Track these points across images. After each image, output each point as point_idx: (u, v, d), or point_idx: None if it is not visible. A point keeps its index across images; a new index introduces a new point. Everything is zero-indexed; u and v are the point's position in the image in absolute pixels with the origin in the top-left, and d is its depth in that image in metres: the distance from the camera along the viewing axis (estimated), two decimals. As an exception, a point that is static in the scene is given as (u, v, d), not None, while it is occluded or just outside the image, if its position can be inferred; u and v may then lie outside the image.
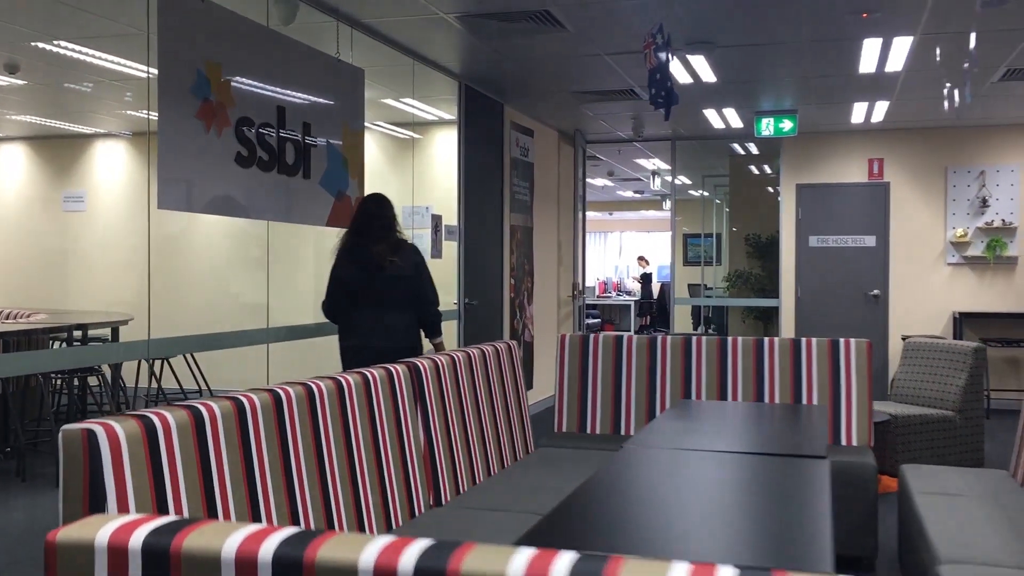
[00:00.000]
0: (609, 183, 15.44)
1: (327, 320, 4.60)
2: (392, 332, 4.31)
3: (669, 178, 14.21)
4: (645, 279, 19.93)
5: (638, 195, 17.32)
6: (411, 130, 8.75)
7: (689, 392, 4.85)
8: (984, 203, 9.10)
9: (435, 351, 4.47)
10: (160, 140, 3.79)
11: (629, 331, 19.21)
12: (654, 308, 19.83)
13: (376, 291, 4.33)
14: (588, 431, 4.98)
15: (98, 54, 6.11)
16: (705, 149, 11.20)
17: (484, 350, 4.21)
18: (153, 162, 3.79)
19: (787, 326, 9.76)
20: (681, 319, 18.50)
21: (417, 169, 8.64)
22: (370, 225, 4.38)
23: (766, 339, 4.82)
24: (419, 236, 8.83)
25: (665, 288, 19.91)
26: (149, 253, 4.42)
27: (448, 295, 7.19)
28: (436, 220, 6.75)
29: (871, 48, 6.02)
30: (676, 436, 3.31)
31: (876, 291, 9.45)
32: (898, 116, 8.68)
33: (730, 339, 4.86)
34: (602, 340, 5.03)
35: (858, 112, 8.45)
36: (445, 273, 7.13)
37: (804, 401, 4.70)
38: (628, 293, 20.30)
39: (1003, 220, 9.04)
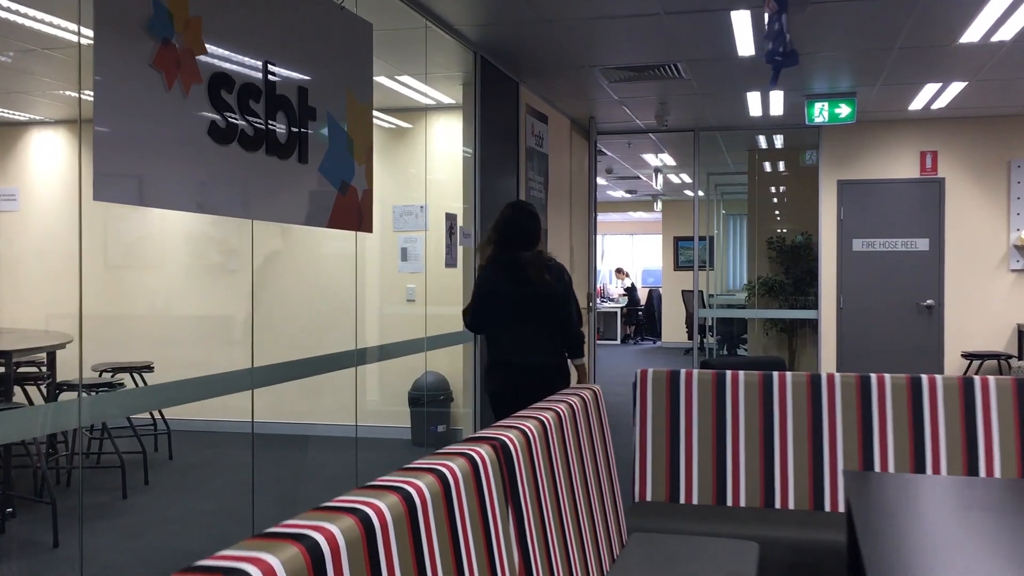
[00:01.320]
0: (603, 181, 14.25)
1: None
2: (544, 349, 4.23)
3: (672, 176, 13.08)
4: (629, 291, 18.80)
5: (629, 195, 16.18)
6: (404, 117, 7.48)
7: (819, 453, 3.64)
8: (1054, 201, 8.05)
9: (579, 373, 4.48)
10: (98, 98, 2.49)
11: (616, 339, 18.11)
12: (641, 316, 18.71)
13: (529, 308, 4.20)
14: (682, 499, 3.75)
15: (26, 11, 4.75)
16: (713, 144, 10.02)
17: (571, 403, 2.96)
18: (88, 138, 2.50)
19: (827, 341, 8.63)
20: (673, 328, 17.44)
21: (410, 163, 7.36)
22: (522, 238, 4.26)
23: (924, 377, 3.63)
24: (412, 240, 7.58)
25: (653, 295, 18.81)
26: (80, 260, 3.09)
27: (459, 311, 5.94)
28: (451, 221, 5.48)
29: (994, 7, 4.88)
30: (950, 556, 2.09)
31: (930, 301, 8.36)
32: (961, 102, 7.59)
33: (873, 377, 3.66)
34: (698, 379, 3.81)
35: (923, 96, 7.35)
36: (458, 286, 5.89)
37: None
38: (612, 300, 19.14)
39: (1075, 220, 8.00)
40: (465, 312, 4.37)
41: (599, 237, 9.34)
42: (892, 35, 5.50)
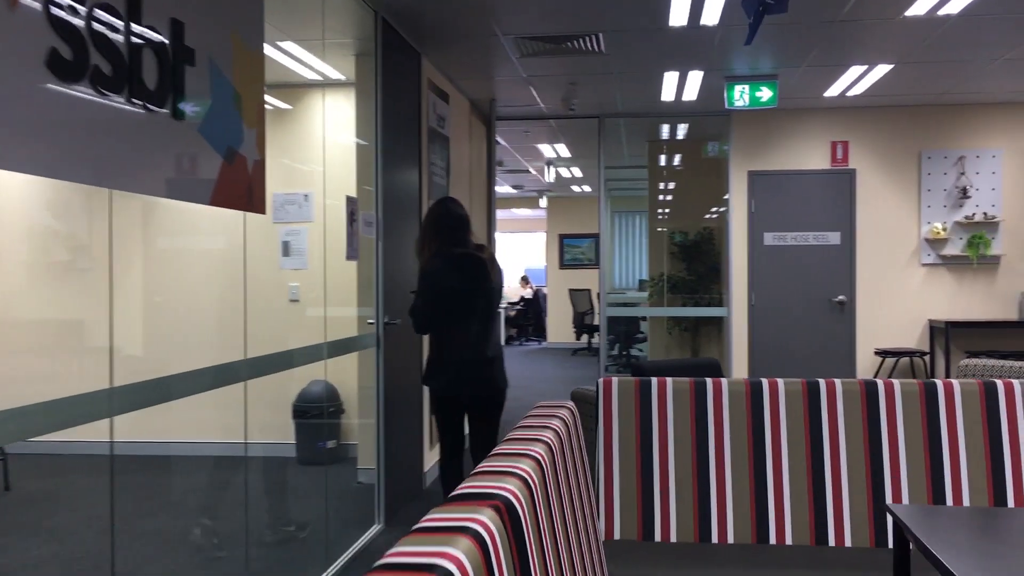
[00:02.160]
0: (490, 176, 13.58)
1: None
2: (493, 344, 4.20)
3: (563, 170, 12.54)
4: (530, 301, 18.22)
5: (515, 191, 15.59)
6: (284, 96, 6.59)
7: (820, 478, 3.05)
8: (964, 193, 7.87)
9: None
10: None
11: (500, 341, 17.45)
12: (529, 316, 18.17)
13: (481, 303, 4.15)
14: (658, 537, 3.09)
15: None
16: (614, 133, 9.53)
17: (556, 430, 2.25)
18: None
19: (739, 340, 8.23)
20: (560, 328, 16.96)
21: (293, 146, 6.50)
22: (463, 228, 4.25)
23: (938, 383, 3.09)
24: (295, 233, 6.71)
25: (537, 294, 18.29)
26: None
27: (364, 312, 5.15)
28: (352, 206, 4.67)
29: (956, -27, 4.47)
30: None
31: (842, 297, 8.07)
32: (877, 90, 7.30)
33: (880, 383, 3.09)
34: (673, 390, 3.17)
35: (843, 81, 7.00)
36: (357, 282, 5.09)
37: None
38: (510, 302, 18.48)
39: (985, 213, 7.84)
40: (412, 311, 4.14)
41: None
42: (839, 3, 5.04)
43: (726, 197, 8.37)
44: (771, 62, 6.43)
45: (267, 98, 6.19)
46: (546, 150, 10.76)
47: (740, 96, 6.79)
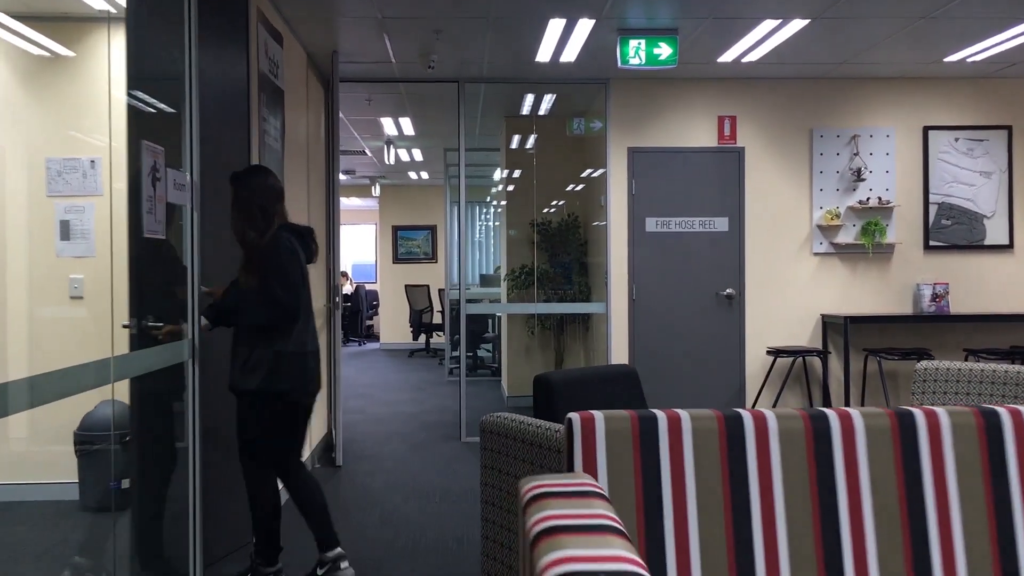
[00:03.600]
0: (319, 158, 12.08)
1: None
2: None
3: (403, 152, 11.26)
4: (350, 297, 16.72)
5: (346, 176, 14.11)
6: (62, 36, 4.98)
7: (924, 552, 1.96)
8: (858, 175, 7.20)
9: None
10: None
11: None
12: (356, 315, 16.68)
13: (308, 289, 3.82)
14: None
15: None
16: (469, 105, 8.38)
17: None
18: None
19: (618, 339, 7.24)
20: (395, 327, 15.60)
21: (74, 97, 4.90)
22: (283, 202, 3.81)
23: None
24: (77, 209, 5.10)
25: (361, 292, 16.86)
26: None
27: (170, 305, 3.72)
28: (154, 158, 3.22)
29: None
30: None
31: (730, 290, 7.23)
32: (774, 57, 6.49)
33: (1004, 414, 2.04)
34: (692, 427, 1.99)
35: (745, 42, 6.12)
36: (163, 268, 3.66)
37: None
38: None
39: (879, 198, 7.20)
40: (275, 300, 3.56)
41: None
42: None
43: (596, 173, 7.36)
44: (672, 11, 5.44)
45: (32, 33, 4.55)
46: (388, 126, 9.44)
47: (635, 53, 5.76)
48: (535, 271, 8.59)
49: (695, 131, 7.24)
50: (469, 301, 10.71)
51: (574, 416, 1.98)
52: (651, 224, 7.21)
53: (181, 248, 3.55)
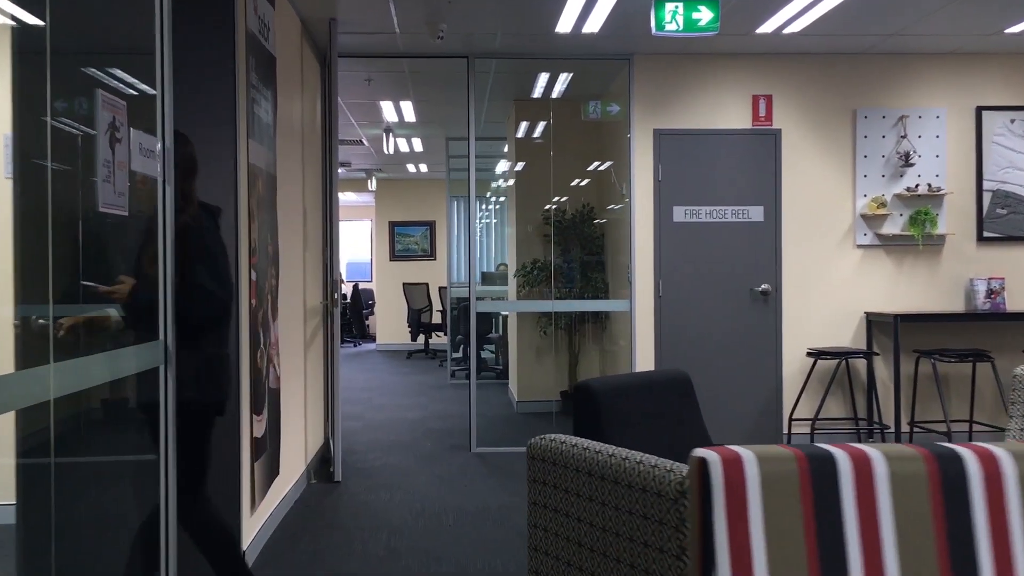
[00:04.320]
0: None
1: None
2: None
3: (402, 142, 10.60)
4: (344, 296, 16.04)
5: (342, 169, 13.42)
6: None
7: None
8: (906, 160, 6.58)
9: None
10: None
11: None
12: (348, 315, 16.00)
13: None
14: None
15: None
16: (478, 86, 7.74)
17: None
18: None
19: (643, 341, 6.60)
20: (392, 327, 14.93)
21: None
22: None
23: None
24: None
25: (359, 291, 16.19)
26: None
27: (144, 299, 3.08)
28: (114, 112, 2.57)
29: None
30: None
31: (766, 286, 6.60)
32: (812, 29, 5.86)
33: None
34: (889, 473, 1.35)
35: (792, 8, 5.49)
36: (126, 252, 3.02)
37: None
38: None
39: (929, 184, 6.58)
40: (210, 295, 3.03)
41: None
42: None
43: (614, 160, 6.72)
44: (715, -29, 4.81)
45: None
46: (388, 111, 8.78)
47: (671, 18, 5.12)
48: (551, 266, 7.94)
49: (727, 111, 6.61)
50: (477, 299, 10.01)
51: (710, 456, 1.33)
52: (679, 213, 6.58)
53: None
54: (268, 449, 4.42)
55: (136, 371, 2.73)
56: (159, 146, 2.87)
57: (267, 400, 4.39)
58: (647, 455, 2.09)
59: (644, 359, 6.58)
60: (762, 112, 6.60)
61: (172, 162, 2.95)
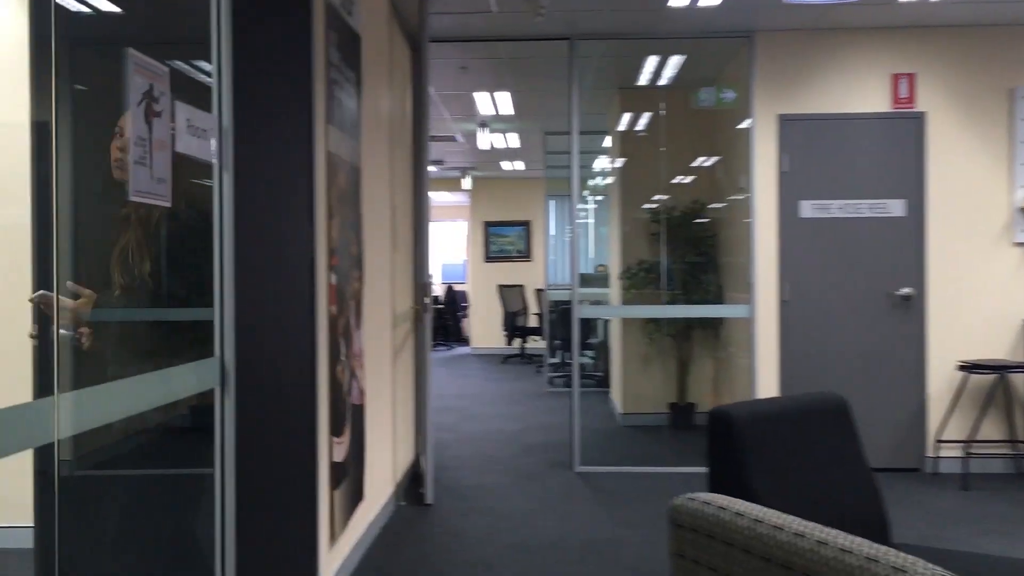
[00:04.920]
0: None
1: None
2: None
3: (498, 137, 10.09)
4: (436, 299, 15.68)
5: (435, 168, 13.02)
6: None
7: None
8: (1075, 146, 5.74)
9: None
10: None
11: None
12: (442, 317, 15.62)
13: None
14: None
15: None
16: (552, 77, 7.15)
17: None
18: None
19: (765, 350, 5.91)
20: (486, 331, 14.47)
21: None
22: None
23: None
24: None
25: (453, 293, 15.79)
26: None
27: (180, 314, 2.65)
28: (155, 81, 2.09)
29: None
30: None
31: (908, 289, 5.84)
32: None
33: None
34: None
35: (949, -31, 4.76)
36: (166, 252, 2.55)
37: None
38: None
39: (1101, 173, 5.72)
40: None
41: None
42: None
43: (729, 151, 6.06)
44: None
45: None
46: (483, 103, 8.27)
47: (808, -18, 4.46)
48: (662, 268, 7.30)
49: (863, 93, 5.88)
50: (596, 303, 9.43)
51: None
52: (806, 208, 5.88)
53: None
54: (351, 473, 3.94)
55: (181, 397, 2.25)
56: (216, 124, 2.39)
57: (349, 419, 3.90)
58: (857, 539, 1.49)
59: (766, 371, 5.90)
60: (903, 93, 5.84)
61: (231, 144, 2.47)
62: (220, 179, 2.45)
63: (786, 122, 5.90)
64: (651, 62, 6.78)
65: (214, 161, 2.41)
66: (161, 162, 2.07)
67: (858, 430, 3.05)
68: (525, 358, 13.09)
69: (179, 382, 2.22)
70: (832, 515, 2.81)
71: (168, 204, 2.13)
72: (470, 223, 14.67)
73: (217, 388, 2.46)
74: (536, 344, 12.94)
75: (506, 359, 13.16)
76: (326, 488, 3.54)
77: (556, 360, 11.10)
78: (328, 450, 3.54)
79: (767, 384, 5.91)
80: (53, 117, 1.77)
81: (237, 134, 2.52)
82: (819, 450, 2.90)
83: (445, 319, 15.49)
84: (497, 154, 11.59)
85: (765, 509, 1.67)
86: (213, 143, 2.38)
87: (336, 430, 3.64)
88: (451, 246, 17.24)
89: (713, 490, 2.76)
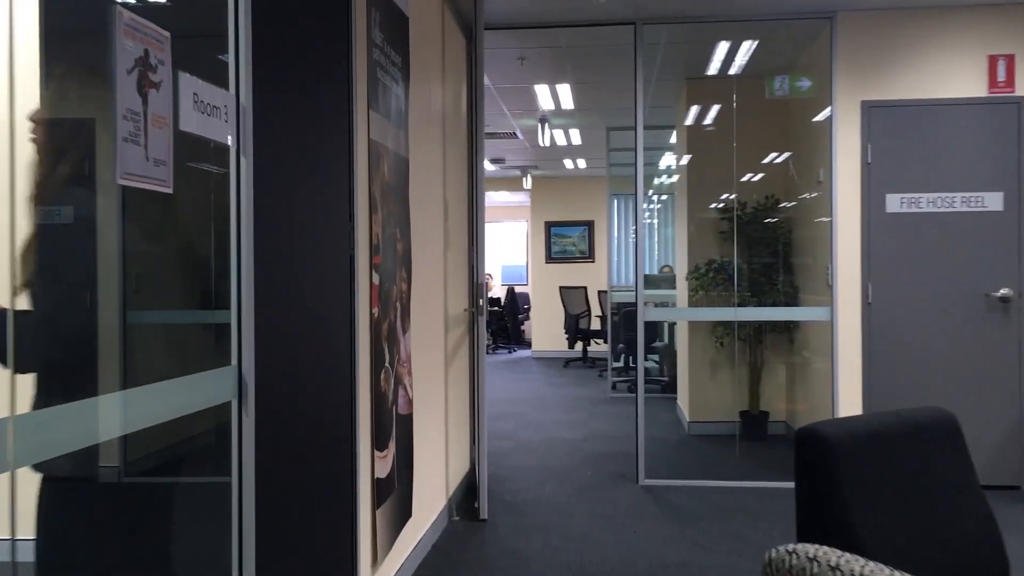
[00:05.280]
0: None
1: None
2: None
3: (559, 133, 9.76)
4: (497, 301, 15.41)
5: (495, 166, 12.74)
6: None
7: None
8: None
9: None
10: None
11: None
12: (503, 319, 15.32)
13: None
14: None
15: None
16: (615, 68, 6.78)
17: None
18: None
19: (847, 358, 5.47)
20: (547, 334, 14.14)
21: None
22: None
23: None
24: None
25: (515, 295, 15.49)
26: None
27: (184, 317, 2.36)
28: (154, 47, 1.80)
29: None
30: None
31: (1007, 290, 5.34)
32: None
33: None
34: None
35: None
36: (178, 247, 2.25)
37: None
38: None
39: None
40: None
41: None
42: None
43: (804, 142, 5.61)
44: None
45: None
46: (543, 96, 7.94)
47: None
48: (730, 267, 6.88)
49: (955, 76, 5.40)
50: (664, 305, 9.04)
51: None
52: (893, 203, 5.41)
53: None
54: (396, 488, 3.64)
55: (188, 412, 1.95)
56: (230, 101, 2.10)
57: (394, 430, 3.60)
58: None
59: (847, 378, 5.45)
60: (1001, 76, 5.34)
61: (250, 124, 2.18)
62: (237, 164, 2.16)
63: (870, 109, 5.44)
64: (721, 49, 6.37)
65: (230, 140, 2.12)
66: (159, 142, 1.77)
67: (967, 451, 2.63)
68: (587, 362, 12.72)
69: (184, 396, 1.93)
70: (946, 556, 2.41)
71: (168, 190, 1.83)
72: (531, 223, 14.35)
73: (233, 401, 2.16)
74: (598, 347, 12.56)
75: (568, 363, 12.79)
76: (367, 507, 3.24)
77: (619, 364, 10.71)
78: (370, 466, 3.24)
79: (849, 393, 5.47)
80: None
81: (259, 114, 2.23)
82: (928, 477, 2.49)
83: (505, 321, 15.20)
84: (558, 151, 11.25)
85: (869, 563, 1.31)
86: (227, 123, 2.09)
87: (379, 443, 3.34)
88: (512, 247, 16.94)
89: (804, 524, 2.38)
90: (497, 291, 16.45)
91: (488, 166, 12.68)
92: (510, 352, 14.55)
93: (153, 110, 1.76)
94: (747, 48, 6.32)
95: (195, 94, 1.93)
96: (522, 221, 16.07)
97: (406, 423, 3.83)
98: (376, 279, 3.31)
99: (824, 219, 5.65)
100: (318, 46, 2.78)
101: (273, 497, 2.34)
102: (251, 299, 2.18)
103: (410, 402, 3.91)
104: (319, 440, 2.76)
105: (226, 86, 2.12)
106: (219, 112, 2.04)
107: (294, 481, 2.56)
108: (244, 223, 2.17)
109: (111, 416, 1.67)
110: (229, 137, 2.10)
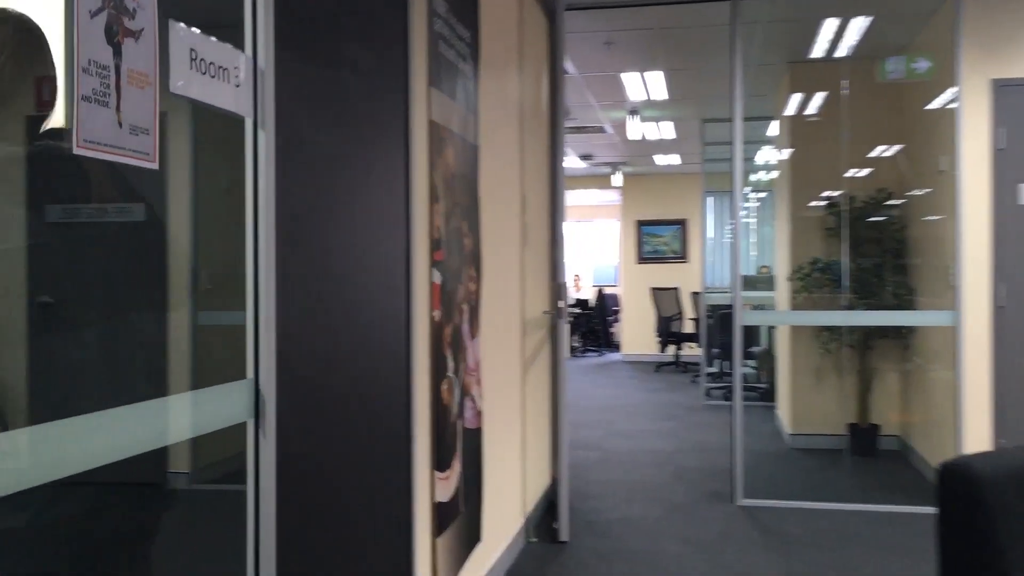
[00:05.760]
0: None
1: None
2: None
3: (650, 127, 9.27)
4: (582, 302, 14.98)
5: (583, 163, 12.30)
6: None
7: None
8: None
9: None
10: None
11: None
12: (592, 321, 14.86)
13: None
14: None
15: None
16: (710, 52, 6.28)
17: None
18: None
19: (974, 368, 4.86)
20: (638, 337, 13.64)
21: None
22: None
23: None
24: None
25: (605, 296, 15.01)
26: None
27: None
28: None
29: None
30: None
31: None
32: None
33: None
34: None
35: None
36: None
37: None
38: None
39: None
40: None
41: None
42: None
43: (895, 145, 5.02)
44: None
45: None
46: (632, 84, 7.47)
47: None
48: (837, 267, 6.30)
49: (1104, 50, 4.75)
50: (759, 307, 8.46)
51: None
52: (1029, 194, 4.80)
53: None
54: (462, 512, 3.26)
55: (182, 439, 1.60)
56: (244, 63, 1.75)
57: (460, 447, 3.22)
58: None
59: (974, 389, 4.85)
60: None
61: (271, 91, 1.83)
62: (255, 139, 1.81)
63: (1002, 88, 4.83)
64: (828, 28, 5.81)
65: (248, 108, 1.77)
66: (139, 104, 1.43)
67: None
68: (680, 366, 12.17)
69: (179, 419, 1.57)
70: None
71: (154, 165, 1.48)
72: (622, 222, 13.86)
73: (249, 422, 1.81)
74: (692, 351, 11.99)
75: (659, 367, 12.26)
76: (427, 535, 2.87)
77: (714, 370, 10.16)
78: (429, 489, 2.87)
79: (976, 404, 4.86)
80: None
81: (284, 80, 1.87)
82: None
83: (595, 324, 14.75)
84: (649, 146, 10.75)
85: None
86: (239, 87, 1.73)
87: (441, 464, 2.97)
88: (602, 247, 16.46)
89: (948, 568, 1.91)
90: (586, 292, 16.01)
91: (577, 163, 12.25)
92: (599, 355, 14.09)
93: (129, 65, 1.41)
94: (857, 26, 5.74)
95: (192, 50, 1.58)
96: (612, 220, 15.58)
97: (474, 438, 3.45)
98: (438, 278, 2.94)
99: (941, 216, 5.05)
100: (365, 7, 2.41)
101: (307, 533, 1.99)
102: (272, 299, 1.83)
103: (479, 414, 3.53)
104: (367, 463, 2.40)
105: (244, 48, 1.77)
106: (226, 74, 1.69)
107: (334, 512, 2.20)
108: (264, 208, 1.82)
109: (71, 445, 1.32)
110: (239, 104, 1.75)
